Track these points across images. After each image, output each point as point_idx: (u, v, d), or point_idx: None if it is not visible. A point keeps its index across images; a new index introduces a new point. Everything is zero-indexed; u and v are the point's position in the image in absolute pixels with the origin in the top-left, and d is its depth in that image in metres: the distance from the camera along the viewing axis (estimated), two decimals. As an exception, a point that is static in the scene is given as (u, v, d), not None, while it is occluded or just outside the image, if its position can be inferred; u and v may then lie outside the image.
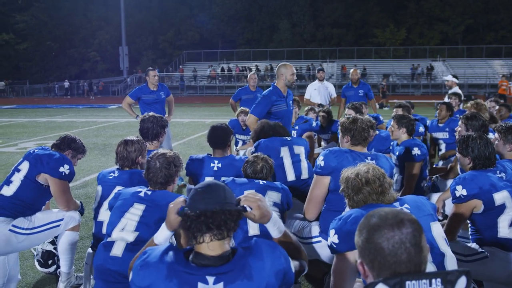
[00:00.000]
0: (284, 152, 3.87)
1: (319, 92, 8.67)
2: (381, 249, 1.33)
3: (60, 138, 3.61)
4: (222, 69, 41.50)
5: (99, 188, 3.31)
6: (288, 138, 4.00)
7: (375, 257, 1.35)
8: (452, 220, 2.90)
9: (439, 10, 48.05)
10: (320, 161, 3.10)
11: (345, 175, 2.29)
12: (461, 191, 2.80)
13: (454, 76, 8.64)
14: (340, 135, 3.36)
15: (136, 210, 2.66)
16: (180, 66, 43.10)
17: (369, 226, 1.39)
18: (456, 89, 8.22)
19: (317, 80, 8.92)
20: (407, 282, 1.24)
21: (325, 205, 3.19)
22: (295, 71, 5.13)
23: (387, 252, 1.33)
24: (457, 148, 3.07)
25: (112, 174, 3.29)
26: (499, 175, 2.89)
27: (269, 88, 5.07)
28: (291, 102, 5.25)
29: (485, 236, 2.87)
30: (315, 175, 3.18)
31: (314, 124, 6.83)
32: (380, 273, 1.35)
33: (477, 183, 2.79)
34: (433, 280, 1.24)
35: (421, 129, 5.79)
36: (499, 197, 2.78)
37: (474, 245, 2.91)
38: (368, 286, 1.27)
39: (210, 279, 1.61)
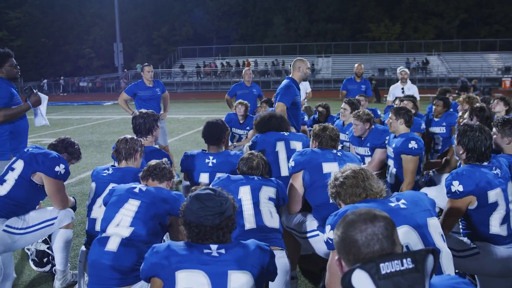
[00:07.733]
0: (280, 147, 3.88)
1: None
2: (355, 241, 1.43)
3: (59, 140, 3.57)
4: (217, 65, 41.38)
5: (93, 185, 3.31)
6: (286, 133, 4.01)
7: (350, 249, 1.44)
8: (447, 215, 2.86)
9: (434, 5, 48.10)
10: (291, 163, 3.35)
11: (329, 181, 2.41)
12: (457, 186, 2.76)
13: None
14: (311, 140, 3.59)
15: (131, 206, 2.70)
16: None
17: (344, 222, 1.50)
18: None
19: None
20: (381, 265, 1.33)
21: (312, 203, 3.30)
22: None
23: (360, 243, 1.42)
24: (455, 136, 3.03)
25: (106, 171, 3.29)
26: (495, 172, 2.86)
27: (288, 80, 5.06)
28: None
29: (477, 231, 2.85)
30: (291, 177, 3.38)
31: (306, 118, 6.87)
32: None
33: (474, 179, 2.75)
34: (404, 260, 1.34)
35: (423, 125, 5.73)
36: (493, 194, 2.77)
37: (465, 240, 2.89)
38: (346, 273, 1.34)
39: (214, 246, 1.97)
